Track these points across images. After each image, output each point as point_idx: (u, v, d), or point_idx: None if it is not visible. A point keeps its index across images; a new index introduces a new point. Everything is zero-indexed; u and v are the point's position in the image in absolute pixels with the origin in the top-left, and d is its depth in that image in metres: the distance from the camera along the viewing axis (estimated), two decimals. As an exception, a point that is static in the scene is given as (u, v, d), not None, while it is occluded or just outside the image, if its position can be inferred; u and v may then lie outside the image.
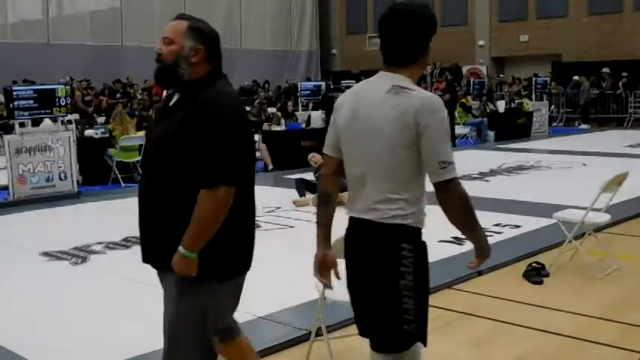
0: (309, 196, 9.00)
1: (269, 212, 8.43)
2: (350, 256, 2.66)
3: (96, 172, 10.96)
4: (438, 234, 6.90)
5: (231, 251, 2.73)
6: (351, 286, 2.67)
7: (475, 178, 11.15)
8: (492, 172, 11.77)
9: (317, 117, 14.16)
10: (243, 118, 2.74)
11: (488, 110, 18.62)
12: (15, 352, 4.20)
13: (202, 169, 2.55)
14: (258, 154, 12.96)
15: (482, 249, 2.65)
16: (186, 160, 2.58)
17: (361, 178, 2.57)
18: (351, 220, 2.65)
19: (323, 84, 16.28)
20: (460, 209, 2.51)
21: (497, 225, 7.29)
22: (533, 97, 19.20)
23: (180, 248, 2.61)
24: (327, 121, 13.57)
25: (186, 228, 2.60)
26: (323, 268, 2.78)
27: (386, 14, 2.58)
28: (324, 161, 2.80)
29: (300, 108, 15.28)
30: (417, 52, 2.57)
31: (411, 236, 2.54)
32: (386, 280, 2.51)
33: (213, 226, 2.59)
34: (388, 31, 2.56)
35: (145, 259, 2.88)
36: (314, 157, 9.30)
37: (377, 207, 2.52)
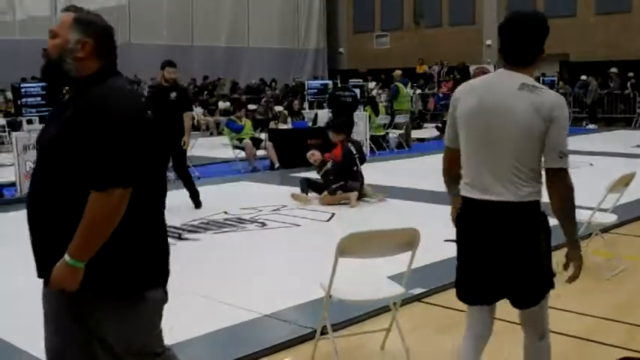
0: (312, 194, 9.02)
1: (275, 210, 8.44)
2: (483, 234, 2.93)
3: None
4: (444, 233, 6.90)
5: (135, 264, 2.49)
6: (484, 260, 2.96)
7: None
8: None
9: (324, 115, 14.14)
10: (138, 116, 2.50)
11: (495, 110, 18.56)
12: (21, 348, 4.21)
13: (94, 170, 2.33)
14: (263, 152, 12.98)
15: (578, 249, 2.97)
16: (77, 161, 2.36)
17: (492, 163, 2.87)
18: (480, 203, 2.92)
19: (330, 82, 16.28)
20: (565, 197, 2.86)
21: (503, 225, 7.25)
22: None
23: (66, 256, 2.36)
24: (332, 119, 13.57)
25: (71, 236, 2.36)
26: None
27: (508, 20, 2.97)
28: (447, 152, 3.12)
29: (307, 106, 15.28)
30: (535, 54, 2.93)
31: (540, 209, 2.92)
32: (531, 250, 2.91)
33: (104, 231, 2.35)
34: (511, 35, 2.93)
35: (41, 273, 2.54)
36: (313, 156, 9.29)
37: (513, 190, 2.85)
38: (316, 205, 8.71)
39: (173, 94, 8.41)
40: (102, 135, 2.34)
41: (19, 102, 9.65)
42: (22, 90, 9.72)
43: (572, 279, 3.03)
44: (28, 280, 5.96)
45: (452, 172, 3.12)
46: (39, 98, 9.71)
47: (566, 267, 3.02)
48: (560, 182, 2.83)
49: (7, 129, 16.16)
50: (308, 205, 8.78)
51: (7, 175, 9.92)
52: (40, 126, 9.72)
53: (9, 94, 16.37)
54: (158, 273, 2.65)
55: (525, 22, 2.93)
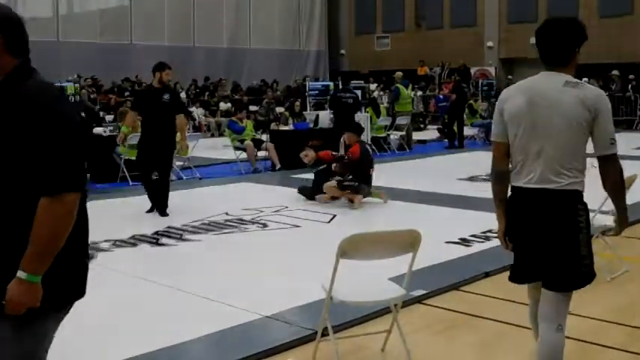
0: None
1: (276, 212, 8.43)
2: (526, 218, 3.21)
3: (104, 170, 10.98)
4: (445, 235, 6.91)
5: (69, 270, 2.35)
6: (525, 242, 3.24)
7: (483, 180, 11.10)
8: (500, 174, 11.72)
9: (325, 117, 14.14)
10: (76, 114, 2.38)
11: (496, 111, 18.54)
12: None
13: (42, 173, 2.15)
14: (265, 153, 12.97)
15: (625, 215, 3.36)
16: (16, 167, 2.17)
17: (538, 153, 3.14)
18: (523, 190, 3.20)
19: (332, 84, 16.29)
20: (617, 179, 3.21)
21: (504, 227, 7.24)
22: (542, 99, 19.13)
23: (21, 273, 2.17)
24: (335, 121, 13.56)
25: (20, 249, 2.17)
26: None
27: (545, 27, 3.24)
28: (496, 147, 3.34)
29: (308, 108, 15.29)
30: (570, 56, 3.20)
31: (582, 199, 3.18)
32: (569, 235, 3.14)
33: (60, 239, 2.20)
34: (544, 38, 3.25)
35: None
36: (307, 156, 9.23)
37: (554, 178, 3.12)
38: (319, 206, 8.69)
39: (166, 96, 8.35)
40: (48, 135, 2.17)
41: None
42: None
43: (615, 234, 3.47)
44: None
45: (500, 166, 3.34)
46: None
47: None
48: (612, 166, 3.17)
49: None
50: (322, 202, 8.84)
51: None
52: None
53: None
54: (64, 291, 2.38)
55: (556, 27, 3.22)
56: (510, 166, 3.31)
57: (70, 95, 10.10)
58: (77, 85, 11.19)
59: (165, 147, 8.30)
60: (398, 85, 16.69)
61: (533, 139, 3.15)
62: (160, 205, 8.36)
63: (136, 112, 8.79)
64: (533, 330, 3.54)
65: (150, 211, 8.36)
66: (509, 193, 3.33)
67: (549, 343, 3.26)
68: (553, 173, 3.11)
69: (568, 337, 4.30)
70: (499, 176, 3.36)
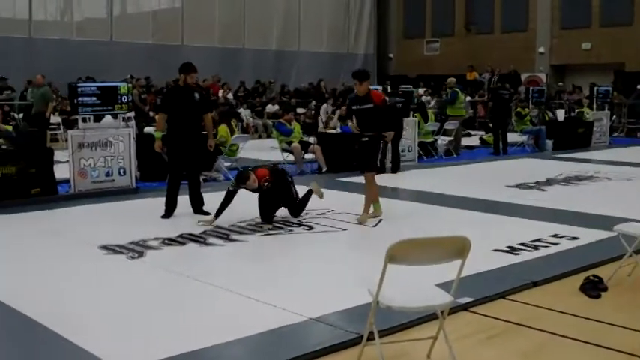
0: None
1: (321, 214, 8.46)
2: None
3: (154, 169, 11.14)
4: (493, 243, 6.85)
5: None
6: None
7: (531, 187, 10.97)
8: (549, 182, 11.56)
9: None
10: None
11: (547, 118, 18.29)
12: (68, 338, 4.30)
13: None
14: (312, 156, 13.01)
15: None
16: None
17: None
18: None
19: (380, 88, 16.24)
20: None
21: (553, 236, 7.15)
22: (594, 106, 18.79)
23: None
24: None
25: None
26: None
27: None
28: None
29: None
30: None
31: None
32: None
33: None
34: None
35: None
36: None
37: None
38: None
39: (197, 95, 8.46)
40: None
41: (75, 101, 9.89)
42: (79, 89, 9.95)
43: None
44: (80, 274, 6.12)
45: None
46: (94, 98, 9.94)
47: None
48: None
49: (62, 127, 16.59)
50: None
51: (62, 172, 10.14)
52: (95, 125, 9.99)
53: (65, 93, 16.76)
54: None
55: None
56: None
57: (123, 95, 10.25)
58: (130, 85, 11.34)
59: (195, 146, 8.39)
60: (455, 88, 16.58)
61: None
62: (194, 204, 8.50)
63: (166, 115, 8.45)
64: None
65: (166, 216, 8.31)
66: None
67: None
68: None
69: (617, 351, 4.25)
70: None
